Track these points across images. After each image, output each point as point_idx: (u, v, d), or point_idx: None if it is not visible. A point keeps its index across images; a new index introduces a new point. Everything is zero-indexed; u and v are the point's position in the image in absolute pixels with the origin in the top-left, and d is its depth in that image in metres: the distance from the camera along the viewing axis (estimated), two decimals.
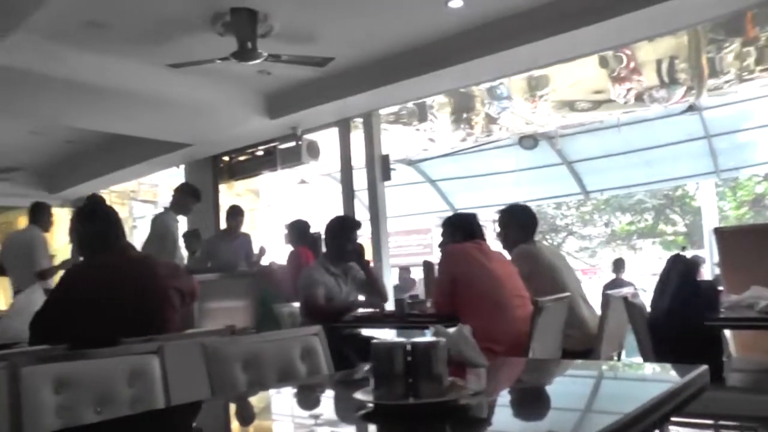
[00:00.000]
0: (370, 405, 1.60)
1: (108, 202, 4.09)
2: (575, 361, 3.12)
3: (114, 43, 5.62)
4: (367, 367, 3.96)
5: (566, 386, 2.13)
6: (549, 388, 2.11)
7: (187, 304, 3.57)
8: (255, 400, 2.24)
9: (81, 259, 3.53)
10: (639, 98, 8.45)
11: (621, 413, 1.46)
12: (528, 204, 4.96)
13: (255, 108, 7.17)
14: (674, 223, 22.39)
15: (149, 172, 10.32)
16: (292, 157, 7.92)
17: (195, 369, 2.53)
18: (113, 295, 3.10)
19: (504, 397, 1.94)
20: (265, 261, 7.17)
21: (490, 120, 9.57)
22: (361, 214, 7.22)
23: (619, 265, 10.87)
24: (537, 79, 8.17)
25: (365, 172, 7.38)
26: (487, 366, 1.74)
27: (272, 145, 8.27)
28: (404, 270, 10.62)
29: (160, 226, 6.50)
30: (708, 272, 10.17)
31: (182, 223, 7.00)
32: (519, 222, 4.50)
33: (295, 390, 2.33)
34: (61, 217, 12.10)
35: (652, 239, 22.21)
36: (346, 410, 1.82)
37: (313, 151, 7.87)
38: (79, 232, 3.40)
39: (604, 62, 7.71)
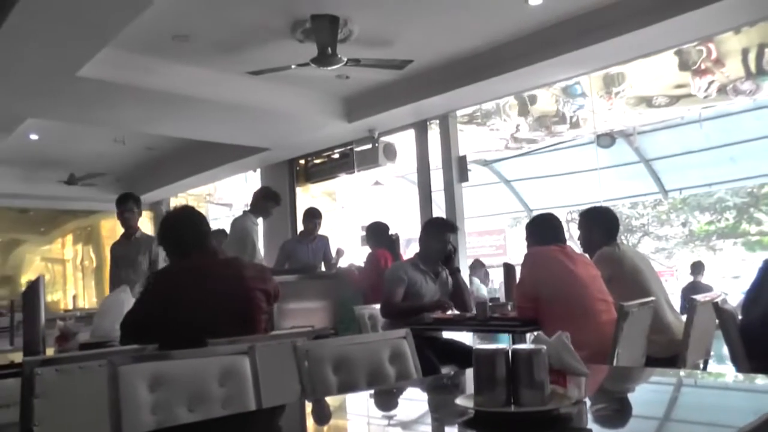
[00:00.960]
0: (471, 411, 1.59)
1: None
2: (667, 370, 3.02)
3: (197, 53, 5.79)
4: (446, 370, 3.96)
5: (665, 395, 2.08)
6: (652, 399, 2.05)
7: (271, 304, 3.64)
8: (351, 403, 2.25)
9: (168, 261, 3.62)
10: (721, 91, 8.14)
11: (735, 427, 1.40)
12: (605, 204, 4.86)
13: (333, 112, 7.24)
14: (759, 222, 21.52)
15: (226, 175, 10.52)
16: (369, 160, 7.95)
17: (285, 369, 2.57)
18: (202, 296, 3.18)
19: (604, 407, 1.90)
20: (343, 263, 7.22)
21: (566, 118, 9.41)
22: (439, 215, 7.18)
23: (697, 268, 10.49)
24: (613, 75, 7.98)
25: (441, 173, 7.36)
26: (588, 374, 1.71)
27: (349, 147, 8.32)
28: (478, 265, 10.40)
29: (240, 229, 6.59)
30: None
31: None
32: (601, 224, 4.41)
33: (390, 393, 2.34)
34: (141, 220, 12.51)
35: (734, 240, 21.42)
36: (447, 416, 1.81)
37: (390, 153, 7.89)
38: (167, 235, 3.49)
39: (683, 55, 7.47)
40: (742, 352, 3.17)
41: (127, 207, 5.87)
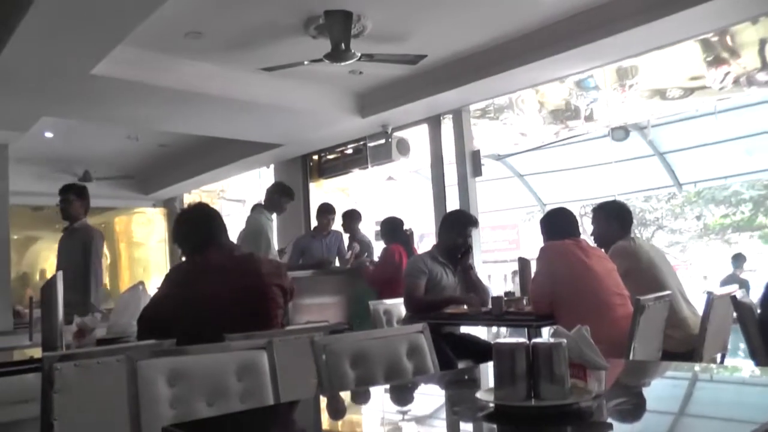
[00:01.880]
0: (492, 405, 1.59)
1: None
2: (683, 364, 3.02)
3: (209, 50, 5.79)
4: (463, 365, 3.97)
5: (683, 390, 2.07)
6: (668, 393, 2.05)
7: (287, 300, 3.66)
8: (369, 397, 2.26)
9: (183, 259, 3.64)
10: (737, 83, 8.05)
11: (754, 423, 1.40)
12: (619, 198, 4.84)
13: (346, 107, 7.24)
14: None
15: (239, 172, 10.51)
16: (383, 155, 7.95)
17: (302, 364, 2.59)
18: (219, 292, 3.20)
19: (622, 401, 1.90)
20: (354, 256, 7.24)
21: (579, 112, 9.37)
22: (457, 209, 7.18)
23: (738, 259, 10.28)
24: (626, 68, 7.93)
25: (455, 167, 7.35)
26: (608, 368, 1.71)
27: (362, 143, 8.33)
28: None
29: (254, 225, 6.60)
30: None
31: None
32: (615, 218, 4.40)
33: (408, 387, 2.34)
34: (155, 217, 12.59)
35: (750, 233, 21.25)
36: (467, 410, 1.82)
37: (404, 148, 7.89)
38: (182, 232, 3.51)
39: (697, 47, 7.39)
40: (761, 347, 3.16)
41: (63, 197, 5.53)
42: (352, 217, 7.32)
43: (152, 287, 4.52)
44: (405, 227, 6.51)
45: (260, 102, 6.61)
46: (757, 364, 3.16)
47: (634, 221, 4.59)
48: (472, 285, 4.77)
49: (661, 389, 2.12)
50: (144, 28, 4.67)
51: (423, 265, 4.69)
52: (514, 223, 16.35)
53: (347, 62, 5.36)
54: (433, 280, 4.65)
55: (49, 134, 8.43)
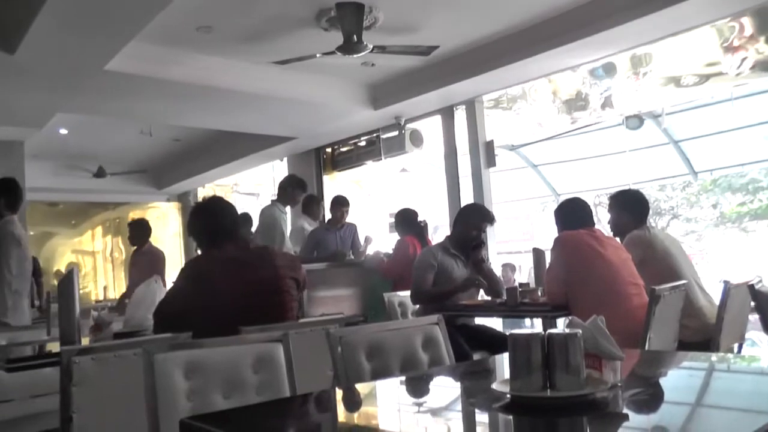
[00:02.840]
0: (507, 396, 1.60)
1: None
2: (699, 354, 3.00)
3: (221, 44, 5.81)
4: (478, 356, 3.97)
5: (700, 380, 2.06)
6: (685, 384, 2.04)
7: (300, 292, 3.67)
8: (385, 389, 2.27)
9: (199, 252, 3.66)
10: (755, 68, 7.94)
11: None
12: (634, 187, 4.82)
13: (358, 99, 7.25)
14: None
15: (252, 165, 10.57)
16: (396, 147, 7.95)
17: (317, 356, 2.60)
18: (235, 285, 3.21)
19: (638, 392, 1.90)
20: (371, 250, 7.23)
21: (593, 101, 9.31)
22: (466, 200, 7.18)
23: None
24: (640, 55, 7.86)
25: (468, 158, 7.34)
26: (623, 358, 1.70)
27: (375, 135, 8.33)
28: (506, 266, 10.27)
29: (268, 218, 6.63)
30: None
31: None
32: (631, 207, 4.38)
33: (424, 379, 2.35)
34: (169, 211, 12.66)
35: None
36: (482, 401, 1.82)
37: (417, 139, 7.88)
38: (197, 225, 3.52)
39: (713, 32, 7.30)
40: None
41: None
42: (339, 203, 7.31)
43: (167, 281, 4.56)
44: (419, 219, 6.50)
45: (273, 95, 6.63)
46: None
47: (650, 210, 4.56)
48: (484, 278, 4.76)
49: (677, 379, 2.11)
50: (156, 24, 4.70)
51: (432, 259, 4.68)
52: (528, 213, 16.28)
53: (359, 54, 5.36)
54: (444, 272, 4.65)
55: (63, 130, 8.49)
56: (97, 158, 10.48)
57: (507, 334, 1.70)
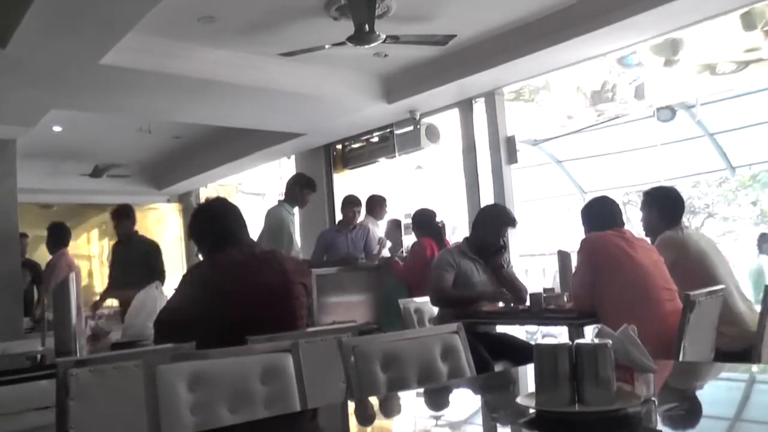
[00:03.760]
0: (532, 411, 1.59)
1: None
2: (739, 365, 2.97)
3: (224, 35, 5.82)
4: (500, 367, 3.96)
5: (740, 393, 2.05)
6: (723, 397, 2.03)
7: (309, 300, 3.68)
8: (401, 402, 2.28)
9: (200, 257, 3.67)
10: None
11: None
12: (666, 184, 4.79)
13: (371, 93, 7.25)
14: None
15: (258, 163, 10.58)
16: (411, 142, 7.95)
17: (329, 367, 2.61)
18: (242, 292, 3.22)
19: (672, 406, 1.89)
20: (386, 253, 7.24)
21: (622, 91, 9.27)
22: (486, 199, 7.17)
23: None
24: (672, 42, 7.81)
25: (488, 155, 7.32)
26: (656, 370, 1.70)
27: (389, 130, 8.34)
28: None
29: (275, 220, 6.62)
30: None
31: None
32: (663, 205, 4.35)
33: (443, 391, 2.35)
34: (169, 213, 12.70)
35: None
36: (505, 416, 1.82)
37: (433, 134, 7.88)
38: (199, 228, 3.53)
39: (751, 16, 7.24)
40: None
41: None
42: (351, 203, 7.31)
43: (168, 287, 4.57)
44: (437, 219, 6.51)
45: (279, 89, 6.64)
46: None
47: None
48: (505, 283, 4.75)
49: (715, 392, 2.10)
50: (155, 14, 4.70)
51: (451, 259, 4.68)
52: (552, 212, 16.22)
53: (371, 45, 5.34)
54: (462, 276, 4.64)
55: (57, 128, 8.54)
56: (94, 157, 10.54)
57: (532, 343, 1.70)
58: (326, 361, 2.71)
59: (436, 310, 4.81)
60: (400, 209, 8.16)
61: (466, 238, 4.97)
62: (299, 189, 6.76)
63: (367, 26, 5.16)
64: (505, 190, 7.16)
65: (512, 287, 4.73)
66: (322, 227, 8.22)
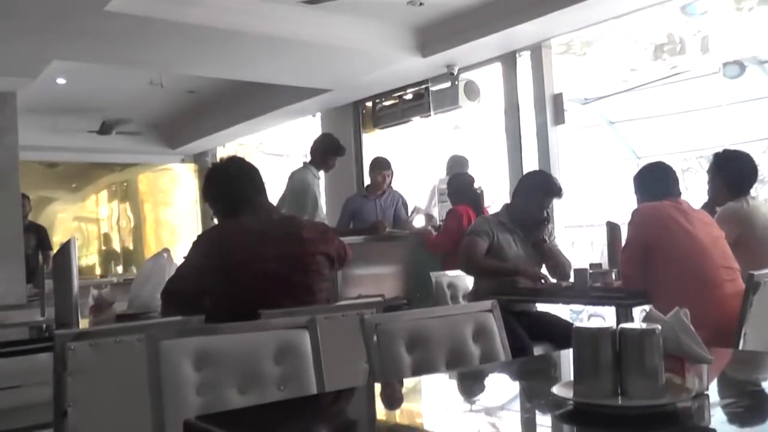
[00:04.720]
0: (570, 403, 1.57)
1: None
2: None
3: None
4: (539, 350, 3.94)
5: None
6: None
7: (337, 269, 3.69)
8: (427, 386, 2.27)
9: (215, 221, 3.67)
10: None
11: None
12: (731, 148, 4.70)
13: (404, 45, 7.19)
14: None
15: (280, 122, 10.62)
16: (448, 100, 7.89)
17: (350, 346, 2.61)
18: (255, 262, 3.23)
19: (730, 402, 1.86)
20: (418, 221, 7.21)
21: (685, 44, 9.11)
22: (529, 164, 7.11)
23: None
24: None
25: (533, 115, 7.28)
26: (712, 361, 1.66)
27: (424, 86, 8.29)
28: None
29: (298, 184, 6.61)
30: None
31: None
32: (730, 172, 4.28)
33: (473, 376, 2.35)
34: (184, 174, 12.79)
35: None
36: (540, 406, 1.81)
37: (472, 91, 7.82)
38: (212, 191, 3.54)
39: None
40: None
41: None
42: (380, 166, 7.27)
43: (180, 255, 4.59)
44: (475, 186, 6.47)
45: (304, 40, 6.60)
46: None
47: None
48: (547, 258, 4.70)
49: None
50: None
51: (488, 227, 4.65)
52: (602, 179, 16.09)
53: None
54: (495, 248, 4.60)
55: (61, 80, 8.59)
56: (101, 112, 10.61)
57: (573, 326, 1.68)
58: (347, 340, 2.72)
59: (470, 285, 4.79)
60: (435, 174, 8.13)
61: (506, 206, 4.91)
62: (325, 151, 6.72)
63: None
64: (551, 154, 7.11)
65: (554, 262, 4.69)
66: (350, 192, 8.20)
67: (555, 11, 6.17)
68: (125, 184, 12.88)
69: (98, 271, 11.97)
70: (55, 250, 7.60)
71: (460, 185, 6.46)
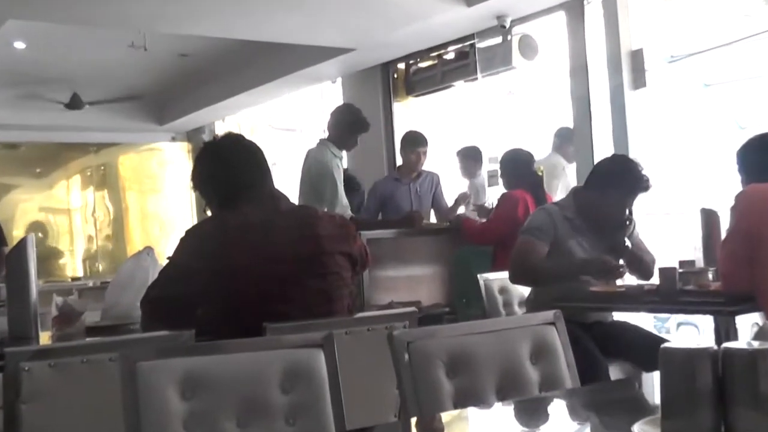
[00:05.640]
0: None
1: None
2: None
3: None
4: (616, 371, 3.87)
5: None
6: None
7: (357, 274, 3.71)
8: (473, 421, 2.30)
9: (209, 213, 3.65)
10: None
11: None
12: None
13: None
14: None
15: (292, 90, 10.72)
16: (499, 60, 7.92)
17: (377, 369, 2.59)
18: (258, 262, 3.22)
19: None
20: (464, 210, 7.19)
21: None
22: (601, 137, 7.06)
23: None
24: None
25: (606, 76, 7.28)
26: None
27: (469, 43, 8.33)
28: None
29: (315, 166, 6.64)
30: None
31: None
32: None
33: (532, 409, 2.36)
34: (175, 155, 12.86)
35: None
36: None
37: (529, 48, 7.83)
38: (203, 176, 3.55)
39: None
40: None
41: None
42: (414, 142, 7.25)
43: (166, 254, 4.58)
44: (535, 165, 6.42)
45: None
46: None
47: None
48: (626, 257, 4.60)
49: None
50: None
51: (549, 222, 4.53)
52: (696, 155, 16.02)
53: None
54: (556, 250, 4.49)
55: (19, 44, 8.67)
56: (70, 82, 10.70)
57: (663, 336, 1.62)
58: (373, 361, 2.75)
59: (527, 290, 4.73)
60: (484, 151, 8.12)
61: (574, 193, 4.81)
62: (348, 125, 6.70)
63: None
64: (628, 126, 7.11)
65: (633, 257, 4.60)
66: (378, 175, 8.20)
67: None
68: (102, 168, 13.03)
69: (69, 272, 12.10)
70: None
71: (515, 164, 6.40)
